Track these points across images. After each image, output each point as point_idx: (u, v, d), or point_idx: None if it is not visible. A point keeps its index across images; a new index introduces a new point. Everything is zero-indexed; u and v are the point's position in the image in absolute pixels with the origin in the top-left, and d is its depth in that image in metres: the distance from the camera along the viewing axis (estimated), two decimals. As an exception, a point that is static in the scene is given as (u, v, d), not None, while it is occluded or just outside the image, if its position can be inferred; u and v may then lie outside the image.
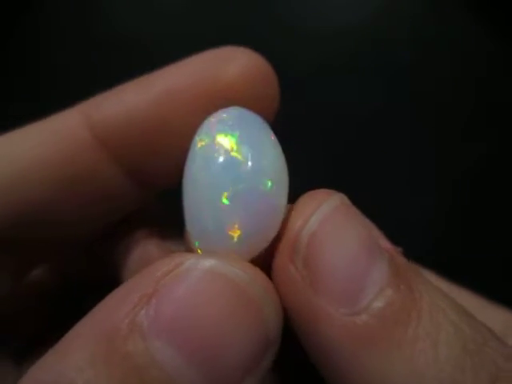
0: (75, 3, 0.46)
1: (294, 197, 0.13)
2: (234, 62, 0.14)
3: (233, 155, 0.12)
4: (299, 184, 0.12)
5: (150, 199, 0.17)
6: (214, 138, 0.12)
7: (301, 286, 0.11)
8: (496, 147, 0.41)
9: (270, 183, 0.12)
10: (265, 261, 0.12)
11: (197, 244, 0.12)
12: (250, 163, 0.12)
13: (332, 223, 0.11)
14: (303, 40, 0.44)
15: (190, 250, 0.15)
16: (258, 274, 0.11)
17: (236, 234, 0.12)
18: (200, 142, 0.12)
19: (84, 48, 0.44)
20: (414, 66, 0.43)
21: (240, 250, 0.12)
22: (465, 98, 0.42)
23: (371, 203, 0.12)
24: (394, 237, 0.13)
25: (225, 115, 0.13)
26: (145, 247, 0.17)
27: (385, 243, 0.12)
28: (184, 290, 0.10)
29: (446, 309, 0.11)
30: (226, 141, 0.12)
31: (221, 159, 0.12)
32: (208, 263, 0.11)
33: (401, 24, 0.45)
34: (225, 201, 0.12)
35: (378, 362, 0.10)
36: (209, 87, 0.15)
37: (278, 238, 0.12)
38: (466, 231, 0.38)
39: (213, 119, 0.13)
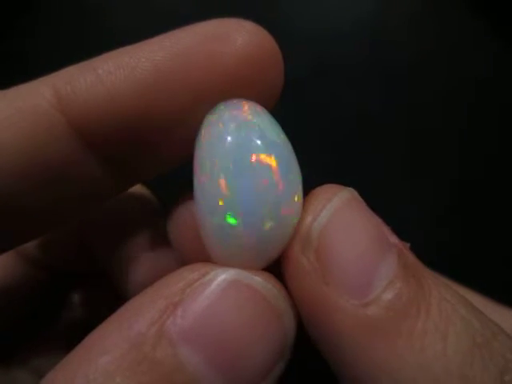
0: (75, 4, 0.46)
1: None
2: (235, 40, 0.12)
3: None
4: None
5: (132, 187, 0.16)
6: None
7: (313, 277, 0.11)
8: (496, 147, 0.41)
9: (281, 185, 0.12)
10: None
11: (211, 253, 0.12)
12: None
13: (343, 216, 0.12)
14: (301, 41, 0.44)
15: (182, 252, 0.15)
16: (277, 283, 0.12)
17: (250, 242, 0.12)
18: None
19: (83, 49, 0.44)
20: (413, 67, 0.43)
21: (255, 258, 0.12)
22: (464, 98, 0.42)
23: (370, 204, 0.12)
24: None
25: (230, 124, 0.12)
26: (142, 245, 0.17)
27: (393, 238, 0.12)
28: (210, 299, 0.11)
29: (455, 303, 0.11)
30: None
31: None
32: (233, 273, 0.11)
33: (399, 25, 0.45)
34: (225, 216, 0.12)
35: (387, 353, 0.10)
36: (205, 70, 0.12)
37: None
38: (466, 232, 0.38)
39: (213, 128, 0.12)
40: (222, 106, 0.12)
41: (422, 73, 0.43)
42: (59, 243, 0.19)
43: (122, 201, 0.17)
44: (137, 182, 0.16)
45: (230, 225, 0.11)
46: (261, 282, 0.11)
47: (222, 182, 0.11)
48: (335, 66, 0.43)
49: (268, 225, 0.11)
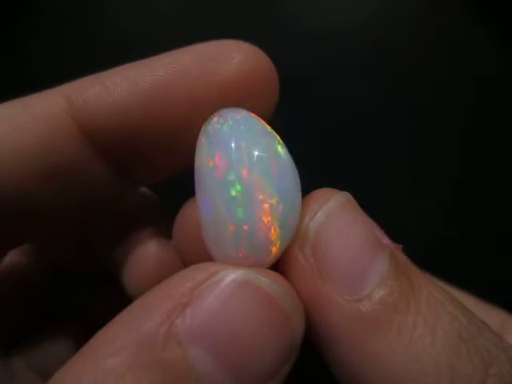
0: (75, 4, 0.46)
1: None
2: (232, 59, 0.13)
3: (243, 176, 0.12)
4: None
5: (138, 189, 0.17)
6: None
7: (309, 273, 0.12)
8: (496, 147, 0.41)
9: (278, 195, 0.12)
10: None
11: (214, 252, 0.13)
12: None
13: (338, 217, 0.12)
14: (303, 41, 0.45)
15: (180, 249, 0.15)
16: (285, 284, 0.12)
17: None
18: (206, 161, 0.12)
19: (83, 49, 0.44)
20: (414, 67, 0.44)
21: (258, 258, 0.12)
22: (465, 98, 0.42)
23: (371, 203, 0.13)
24: (393, 237, 0.13)
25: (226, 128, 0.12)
26: (145, 245, 0.17)
27: (386, 240, 0.13)
28: (219, 299, 0.11)
29: (443, 300, 0.12)
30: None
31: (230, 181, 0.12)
32: (242, 274, 0.11)
33: (401, 25, 0.46)
34: (240, 215, 0.12)
35: (379, 345, 0.11)
36: (203, 85, 0.13)
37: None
38: (465, 232, 0.38)
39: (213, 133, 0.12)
40: (222, 111, 0.13)
41: (424, 72, 0.43)
42: (62, 242, 0.19)
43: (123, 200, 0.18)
44: (141, 186, 0.17)
45: (235, 225, 0.12)
46: (269, 283, 0.11)
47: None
48: (336, 65, 0.43)
49: (271, 225, 0.12)
